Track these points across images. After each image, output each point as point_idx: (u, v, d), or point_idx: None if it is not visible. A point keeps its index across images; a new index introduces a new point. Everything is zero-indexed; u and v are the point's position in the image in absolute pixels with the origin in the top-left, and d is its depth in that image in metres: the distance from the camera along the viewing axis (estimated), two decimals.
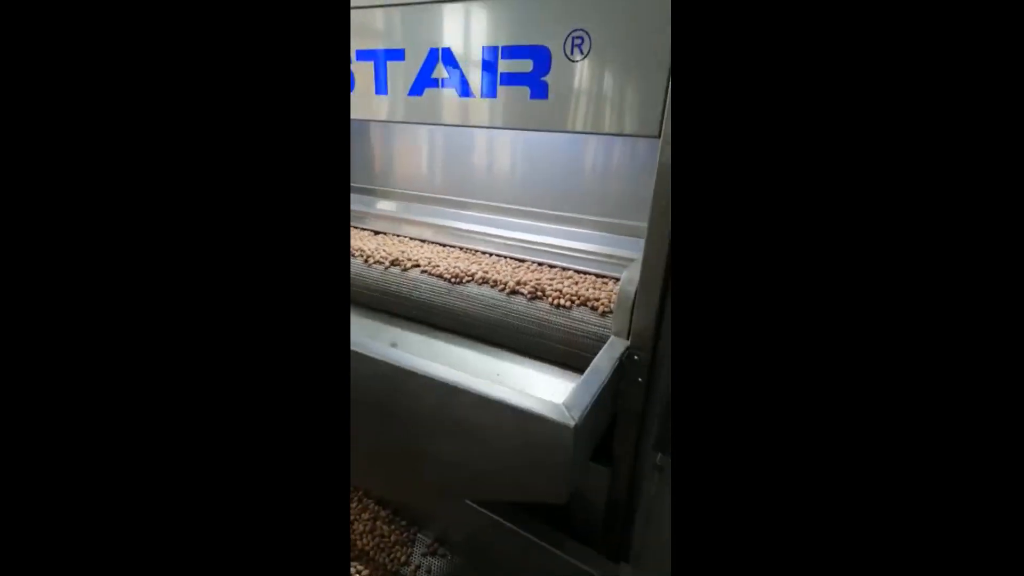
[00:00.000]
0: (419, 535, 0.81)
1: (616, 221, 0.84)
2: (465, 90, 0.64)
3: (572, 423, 0.48)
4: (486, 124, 0.65)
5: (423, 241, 0.98)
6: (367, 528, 0.80)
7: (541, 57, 0.58)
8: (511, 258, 0.90)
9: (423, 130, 1.00)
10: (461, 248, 0.95)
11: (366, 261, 0.90)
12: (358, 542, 0.79)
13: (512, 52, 0.60)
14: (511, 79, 0.61)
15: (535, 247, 0.90)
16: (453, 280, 0.82)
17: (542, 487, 0.53)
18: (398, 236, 1.00)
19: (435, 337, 0.85)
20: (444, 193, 1.00)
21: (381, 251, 0.91)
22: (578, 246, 0.86)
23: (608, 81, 0.56)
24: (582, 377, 0.57)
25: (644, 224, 0.81)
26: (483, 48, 0.61)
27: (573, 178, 0.87)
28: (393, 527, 0.80)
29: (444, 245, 0.96)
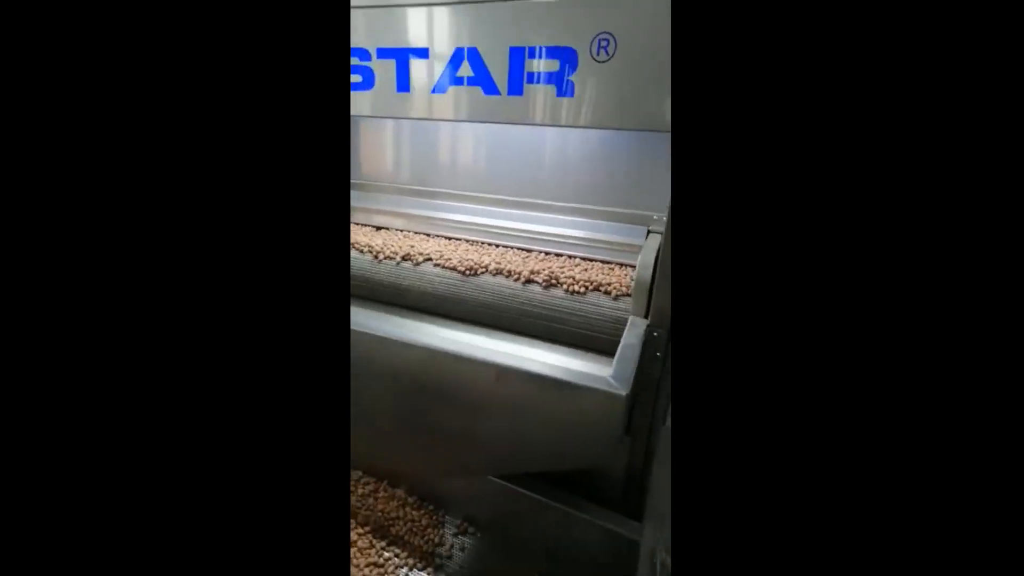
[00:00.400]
0: (447, 517, 0.84)
1: (615, 210, 0.90)
2: (491, 88, 0.67)
3: (624, 392, 0.53)
4: (511, 120, 0.68)
5: (427, 235, 1.00)
6: (398, 515, 0.82)
7: (568, 58, 0.63)
8: (518, 248, 0.94)
9: (417, 125, 1.02)
10: (467, 240, 0.98)
11: (376, 257, 0.92)
12: (391, 528, 0.81)
13: (539, 53, 0.64)
14: (538, 78, 0.65)
15: (539, 237, 0.94)
16: (467, 272, 0.85)
17: (594, 454, 0.58)
18: (401, 231, 1.02)
19: (450, 328, 0.88)
20: (443, 187, 1.02)
21: (389, 247, 0.92)
22: (581, 234, 0.91)
23: (631, 81, 0.61)
24: (618, 353, 0.62)
25: (642, 212, 0.88)
26: (510, 48, 0.65)
27: (571, 169, 0.93)
28: (422, 511, 0.83)
29: (449, 238, 0.99)
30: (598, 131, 0.88)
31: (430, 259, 0.89)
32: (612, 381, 0.55)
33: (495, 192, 0.99)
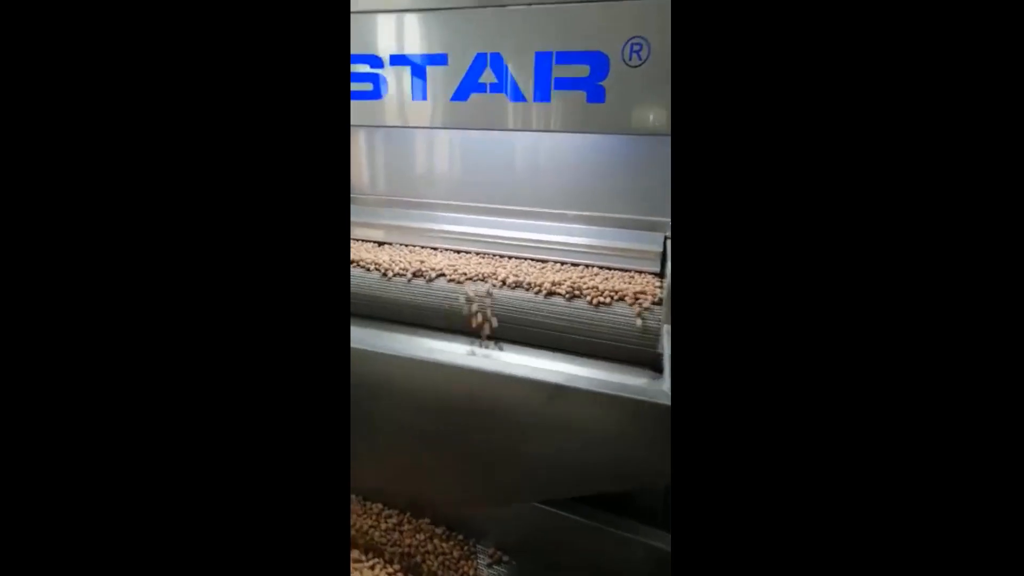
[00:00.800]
0: (479, 546, 0.79)
1: (631, 216, 0.88)
2: (516, 95, 0.65)
3: None
4: (538, 128, 0.66)
5: (434, 249, 0.96)
6: (428, 549, 0.77)
7: (599, 63, 0.61)
8: (532, 260, 0.91)
9: (412, 134, 0.98)
10: (476, 253, 0.94)
11: (384, 275, 0.87)
12: (423, 565, 0.76)
13: (568, 58, 0.62)
14: (566, 84, 0.63)
15: (552, 247, 0.91)
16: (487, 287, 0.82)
17: (651, 471, 0.55)
18: (406, 246, 0.97)
19: (471, 344, 0.84)
20: (445, 198, 0.98)
21: (398, 263, 0.88)
22: (596, 243, 0.89)
23: (666, 86, 0.60)
24: (668, 364, 0.60)
25: (659, 219, 0.87)
26: (536, 54, 0.62)
27: (581, 176, 0.91)
28: (452, 543, 0.78)
29: (458, 251, 0.95)
30: (610, 136, 0.86)
31: (443, 274, 0.85)
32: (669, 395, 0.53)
33: (501, 202, 0.96)
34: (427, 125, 0.70)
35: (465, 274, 0.84)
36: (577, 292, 0.79)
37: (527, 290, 0.81)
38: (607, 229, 0.90)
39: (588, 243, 0.88)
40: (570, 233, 0.90)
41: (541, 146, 0.90)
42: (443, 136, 0.96)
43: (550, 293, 0.80)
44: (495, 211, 0.96)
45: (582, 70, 0.61)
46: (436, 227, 0.98)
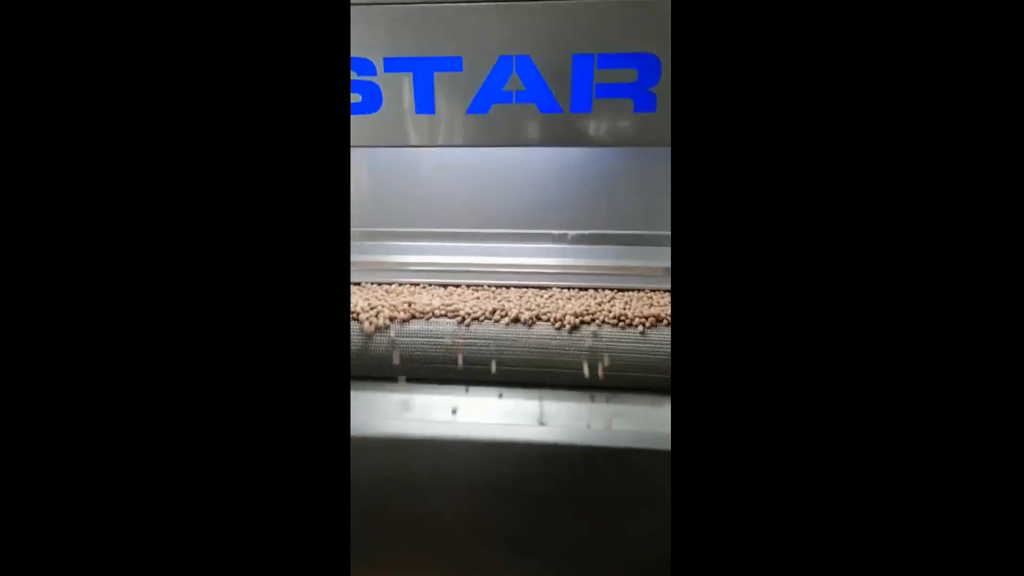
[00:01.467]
0: None
1: (641, 232, 0.82)
2: (549, 104, 0.54)
3: None
4: (576, 143, 0.56)
5: (415, 284, 0.82)
6: None
7: (648, 66, 0.53)
8: (536, 287, 0.81)
9: (375, 153, 0.83)
10: (467, 286, 0.82)
11: (369, 324, 0.71)
12: None
13: (612, 61, 0.53)
14: (609, 91, 0.54)
15: (553, 272, 0.83)
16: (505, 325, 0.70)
17: None
18: (382, 284, 0.82)
19: (483, 395, 0.72)
20: (426, 226, 0.85)
21: (382, 308, 0.73)
22: (607, 263, 0.82)
23: None
24: None
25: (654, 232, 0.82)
26: (573, 57, 0.53)
27: (578, 191, 0.83)
28: None
29: (445, 285, 0.82)
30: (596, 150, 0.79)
31: (443, 316, 0.72)
32: None
33: (492, 226, 0.84)
34: (437, 143, 0.57)
35: (469, 313, 0.72)
36: (606, 321, 0.71)
37: (554, 325, 0.71)
38: (611, 247, 0.83)
39: (602, 264, 0.80)
40: (577, 255, 0.82)
41: (535, 160, 0.80)
42: (411, 152, 0.82)
43: (575, 327, 0.71)
44: (480, 236, 0.85)
45: (629, 75, 0.53)
46: (414, 260, 0.84)
